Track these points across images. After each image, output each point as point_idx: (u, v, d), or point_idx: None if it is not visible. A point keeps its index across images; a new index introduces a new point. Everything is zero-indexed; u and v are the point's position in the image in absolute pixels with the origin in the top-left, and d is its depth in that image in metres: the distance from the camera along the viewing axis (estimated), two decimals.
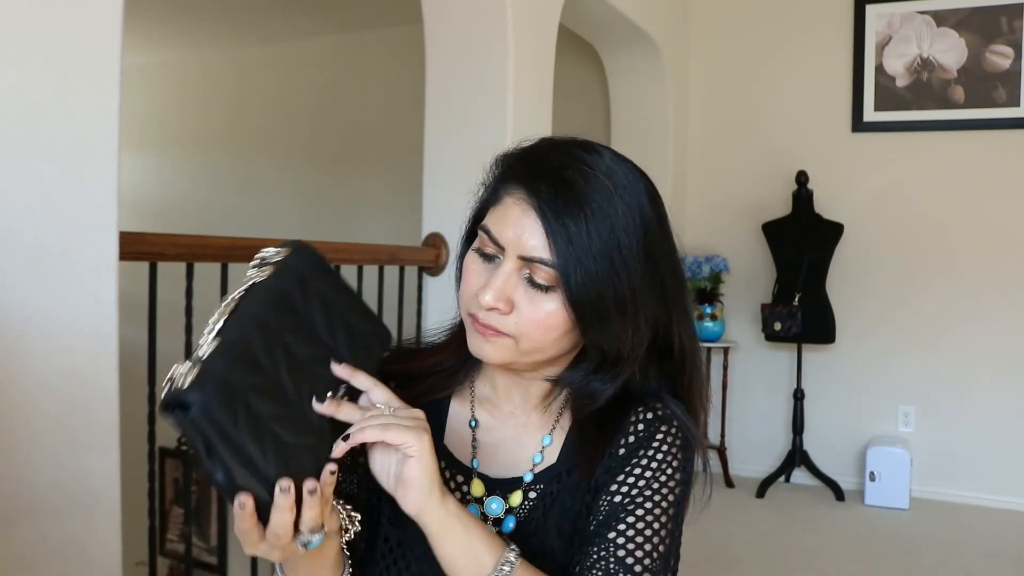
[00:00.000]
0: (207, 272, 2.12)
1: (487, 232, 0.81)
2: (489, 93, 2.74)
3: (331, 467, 0.70)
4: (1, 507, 1.34)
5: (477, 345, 0.83)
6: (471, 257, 0.84)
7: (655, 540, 0.81)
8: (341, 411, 0.73)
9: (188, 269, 2.05)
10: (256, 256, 0.76)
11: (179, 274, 2.06)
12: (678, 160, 4.50)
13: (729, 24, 4.57)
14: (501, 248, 0.80)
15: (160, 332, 2.06)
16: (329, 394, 0.73)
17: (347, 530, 0.77)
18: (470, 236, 0.88)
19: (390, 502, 0.81)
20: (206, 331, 0.69)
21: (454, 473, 0.89)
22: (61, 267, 1.41)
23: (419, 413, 0.75)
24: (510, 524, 0.86)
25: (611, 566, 0.79)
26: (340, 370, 0.75)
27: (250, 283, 0.73)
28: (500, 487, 0.88)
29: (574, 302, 0.79)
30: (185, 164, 5.87)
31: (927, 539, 3.58)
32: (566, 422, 0.90)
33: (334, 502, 0.74)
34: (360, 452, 0.79)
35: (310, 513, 0.68)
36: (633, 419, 0.87)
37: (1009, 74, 4.02)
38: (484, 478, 0.88)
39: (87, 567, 1.46)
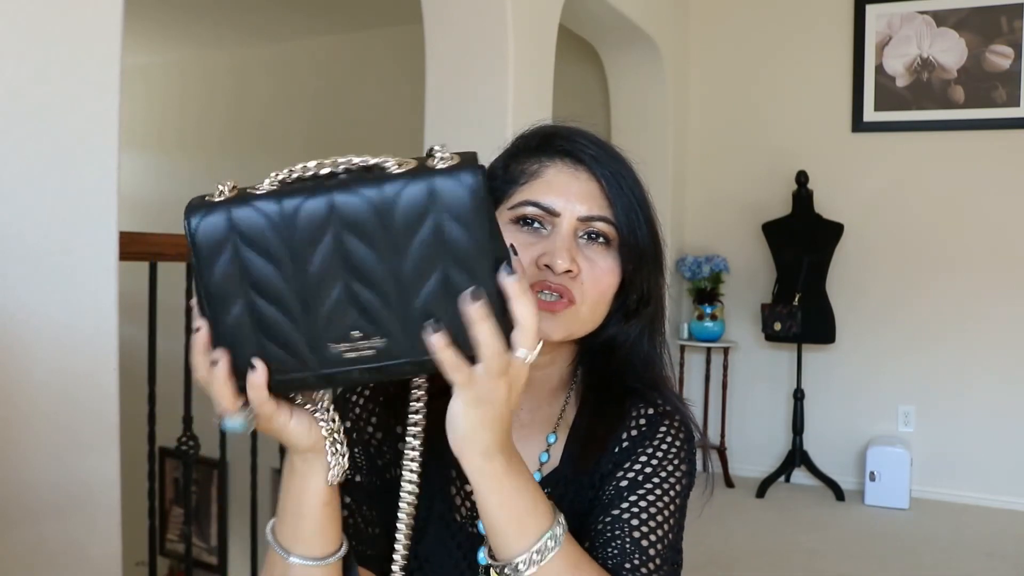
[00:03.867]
0: None
1: (535, 204, 0.83)
2: (489, 93, 2.74)
3: (255, 362, 0.58)
4: (1, 507, 1.34)
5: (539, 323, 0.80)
6: (507, 234, 0.82)
7: (665, 527, 0.80)
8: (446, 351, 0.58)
9: (188, 269, 2.05)
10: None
11: (179, 274, 2.06)
12: (678, 160, 4.50)
13: (729, 24, 4.57)
14: (555, 215, 0.83)
15: (160, 332, 2.06)
16: (435, 326, 0.56)
17: (333, 458, 0.66)
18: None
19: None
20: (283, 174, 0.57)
21: (463, 484, 0.87)
22: (61, 267, 1.41)
23: (506, 370, 0.60)
24: None
25: (627, 546, 0.78)
26: (473, 308, 0.56)
27: (368, 162, 0.56)
28: None
29: (632, 250, 0.84)
30: (185, 164, 5.87)
31: (927, 539, 3.58)
32: (569, 418, 0.90)
33: (320, 414, 0.65)
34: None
35: (215, 387, 0.60)
36: (634, 414, 0.87)
37: (1009, 74, 4.02)
38: None
39: (87, 567, 1.46)
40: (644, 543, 0.78)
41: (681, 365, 4.53)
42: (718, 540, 3.49)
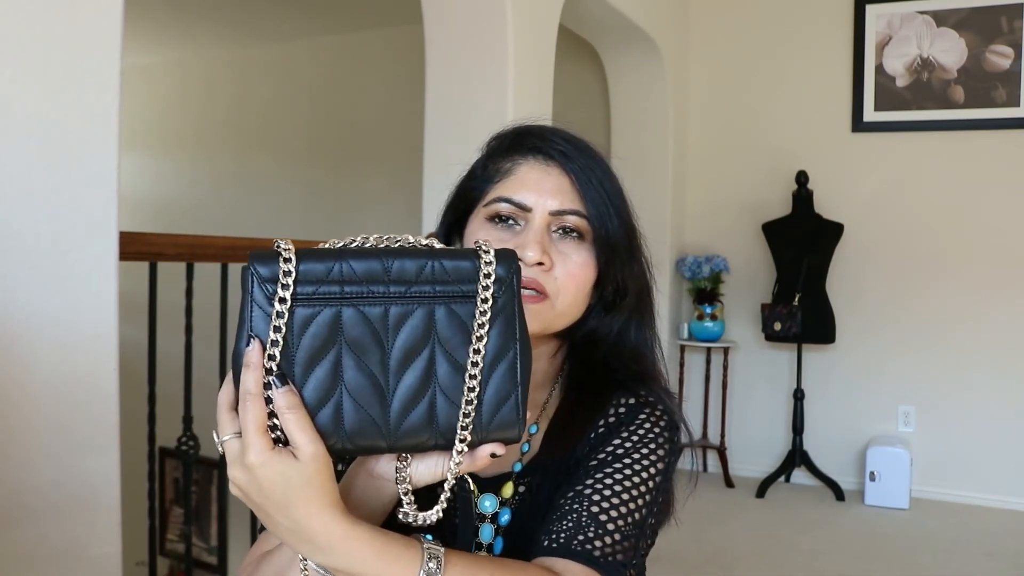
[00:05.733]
0: (207, 272, 2.12)
1: (508, 200, 0.85)
2: (489, 93, 2.74)
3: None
4: (2, 507, 1.34)
5: None
6: (483, 232, 0.86)
7: (631, 505, 0.79)
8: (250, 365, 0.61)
9: (188, 269, 2.05)
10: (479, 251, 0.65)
11: (179, 274, 2.06)
12: (678, 160, 4.50)
13: (729, 24, 4.57)
14: (527, 210, 0.85)
15: (160, 332, 2.06)
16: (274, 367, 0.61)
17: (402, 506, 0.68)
18: (453, 226, 0.91)
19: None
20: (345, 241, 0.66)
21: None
22: (61, 267, 1.41)
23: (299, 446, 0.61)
24: (505, 517, 0.86)
25: (582, 519, 0.77)
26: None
27: (402, 242, 0.66)
28: (491, 484, 0.87)
29: (604, 242, 0.85)
30: (185, 164, 5.87)
31: (927, 539, 3.59)
32: (551, 410, 0.90)
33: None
34: None
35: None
36: (615, 403, 0.87)
37: (1009, 74, 4.02)
38: (476, 479, 0.87)
39: (87, 567, 1.46)
40: (602, 517, 0.77)
41: (681, 365, 4.53)
42: (718, 540, 3.49)
